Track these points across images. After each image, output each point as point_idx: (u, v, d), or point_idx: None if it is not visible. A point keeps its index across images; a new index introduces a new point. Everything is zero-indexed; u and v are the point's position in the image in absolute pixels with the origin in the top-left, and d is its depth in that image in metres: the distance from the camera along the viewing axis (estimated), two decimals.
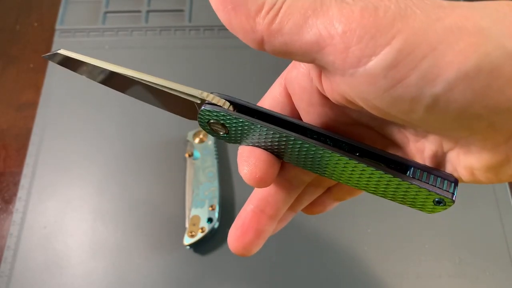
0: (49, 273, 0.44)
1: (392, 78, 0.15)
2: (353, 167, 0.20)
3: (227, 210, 0.46)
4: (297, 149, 0.21)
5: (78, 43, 0.57)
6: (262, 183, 0.22)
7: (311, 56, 0.17)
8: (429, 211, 0.20)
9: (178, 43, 0.57)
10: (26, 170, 0.49)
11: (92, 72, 0.22)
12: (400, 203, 0.21)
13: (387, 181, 0.20)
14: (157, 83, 0.21)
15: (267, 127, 0.21)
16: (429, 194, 0.19)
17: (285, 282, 0.43)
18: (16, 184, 0.48)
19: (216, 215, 0.44)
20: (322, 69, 0.18)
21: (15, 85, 0.55)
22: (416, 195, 0.20)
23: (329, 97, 0.19)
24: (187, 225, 0.44)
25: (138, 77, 0.21)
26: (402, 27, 0.15)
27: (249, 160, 0.22)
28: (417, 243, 0.45)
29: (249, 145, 0.23)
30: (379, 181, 0.20)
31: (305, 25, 0.16)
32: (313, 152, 0.21)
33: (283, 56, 0.17)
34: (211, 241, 0.44)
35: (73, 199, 0.47)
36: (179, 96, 0.22)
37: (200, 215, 0.44)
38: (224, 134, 0.22)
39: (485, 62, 0.14)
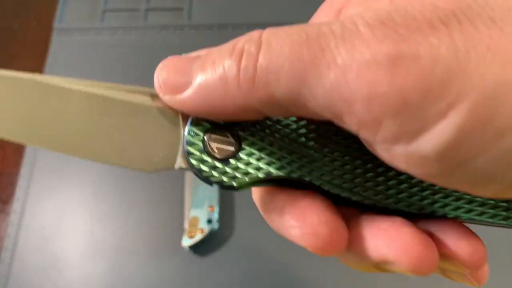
0: (47, 275, 0.43)
1: (450, 163, 0.11)
2: None
3: (227, 211, 0.46)
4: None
5: (76, 42, 0.57)
6: (333, 248, 0.13)
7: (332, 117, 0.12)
8: None
9: (177, 42, 0.56)
10: (24, 171, 0.48)
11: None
12: None
13: None
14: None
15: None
16: None
17: (285, 283, 0.43)
18: (13, 184, 0.48)
19: (216, 216, 0.44)
20: None
21: None
22: None
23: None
24: (186, 226, 0.43)
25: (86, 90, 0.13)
26: (465, 87, 0.10)
27: (296, 211, 0.14)
28: None
29: (261, 184, 0.15)
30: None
31: (302, 83, 0.12)
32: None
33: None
34: (211, 243, 0.44)
35: (71, 200, 0.47)
36: (157, 108, 0.14)
37: (199, 216, 0.44)
38: (226, 156, 0.14)
39: None
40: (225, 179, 0.14)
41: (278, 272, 0.43)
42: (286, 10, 0.58)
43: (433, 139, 0.10)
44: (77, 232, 0.45)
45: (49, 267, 0.44)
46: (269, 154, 0.14)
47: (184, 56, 0.14)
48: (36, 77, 0.14)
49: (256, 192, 0.16)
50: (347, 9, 0.13)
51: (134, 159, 0.14)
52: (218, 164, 0.14)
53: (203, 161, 0.14)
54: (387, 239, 0.13)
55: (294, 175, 0.14)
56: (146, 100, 0.14)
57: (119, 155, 0.14)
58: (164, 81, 0.14)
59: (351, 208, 0.15)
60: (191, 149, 0.14)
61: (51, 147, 0.14)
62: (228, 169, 0.14)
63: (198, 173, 0.14)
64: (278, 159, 0.14)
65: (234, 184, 0.14)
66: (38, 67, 0.55)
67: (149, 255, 0.44)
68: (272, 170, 0.14)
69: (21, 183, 0.48)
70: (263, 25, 0.52)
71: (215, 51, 0.14)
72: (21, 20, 0.60)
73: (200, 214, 0.44)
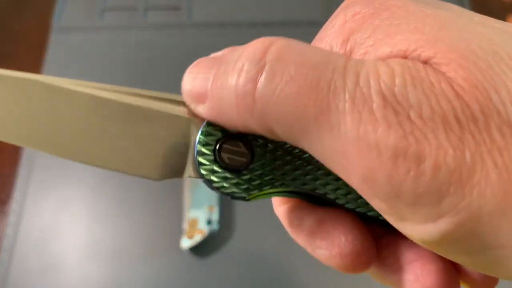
0: (45, 275, 0.43)
1: (435, 251, 0.11)
2: None
3: (227, 212, 0.45)
4: None
5: (75, 40, 0.56)
6: (359, 268, 0.14)
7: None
8: None
9: (176, 40, 0.56)
10: (22, 171, 0.48)
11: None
12: None
13: None
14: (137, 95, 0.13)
15: None
16: None
17: (285, 284, 0.42)
18: (11, 185, 0.48)
19: (216, 216, 0.43)
20: None
21: None
22: None
23: None
24: (185, 227, 0.43)
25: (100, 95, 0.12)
26: (460, 204, 0.09)
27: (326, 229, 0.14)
28: None
29: (280, 193, 0.14)
30: None
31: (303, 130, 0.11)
32: None
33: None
34: (210, 244, 0.44)
35: (70, 200, 0.46)
36: (167, 114, 0.13)
37: (199, 217, 0.43)
38: (238, 167, 0.13)
39: None
40: (236, 190, 0.13)
41: (278, 273, 0.43)
42: (286, 9, 0.57)
43: (418, 231, 0.10)
44: (76, 233, 0.45)
45: (48, 267, 0.43)
46: (282, 165, 0.13)
47: (209, 58, 0.14)
48: (39, 77, 0.13)
49: (279, 208, 0.15)
50: (355, 35, 0.12)
51: (142, 167, 0.13)
52: (229, 175, 0.13)
53: (213, 172, 0.13)
54: (414, 276, 0.13)
55: (308, 187, 0.14)
56: (155, 106, 0.13)
57: (126, 162, 0.13)
58: (188, 90, 0.14)
59: (381, 227, 0.15)
60: (202, 159, 0.13)
61: (52, 151, 0.13)
62: (239, 180, 0.13)
63: (208, 183, 0.14)
64: (292, 170, 0.13)
65: (245, 195, 0.13)
66: (36, 66, 0.55)
67: (148, 256, 0.43)
68: (286, 181, 0.13)
69: (19, 183, 0.47)
70: (263, 24, 0.51)
71: (227, 56, 0.13)
72: (19, 19, 0.59)
73: (200, 214, 0.43)
